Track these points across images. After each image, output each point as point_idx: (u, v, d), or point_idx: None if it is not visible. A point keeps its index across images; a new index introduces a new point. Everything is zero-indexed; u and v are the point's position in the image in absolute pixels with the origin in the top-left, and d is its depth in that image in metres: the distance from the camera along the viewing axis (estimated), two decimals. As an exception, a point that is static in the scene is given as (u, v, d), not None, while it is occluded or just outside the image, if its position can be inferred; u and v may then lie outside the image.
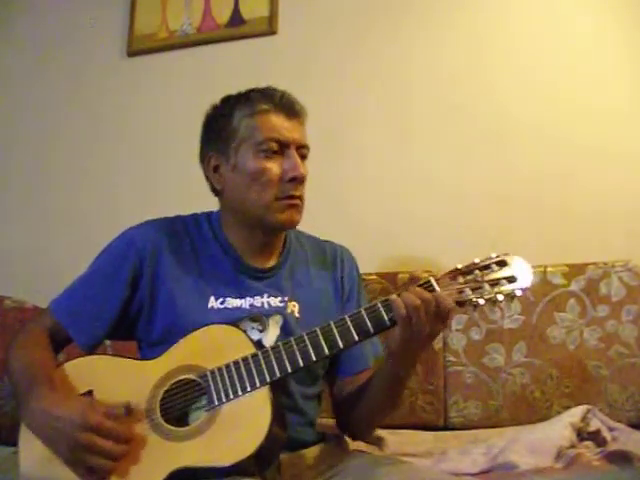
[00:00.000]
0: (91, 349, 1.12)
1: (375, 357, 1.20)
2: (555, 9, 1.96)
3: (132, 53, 2.32)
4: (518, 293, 0.94)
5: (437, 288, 0.96)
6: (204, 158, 1.18)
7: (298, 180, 1.10)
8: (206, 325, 1.05)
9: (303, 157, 1.15)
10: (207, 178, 1.19)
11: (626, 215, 1.80)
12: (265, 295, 1.13)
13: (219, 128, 1.15)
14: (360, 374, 1.17)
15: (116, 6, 2.37)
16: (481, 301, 0.94)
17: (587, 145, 1.86)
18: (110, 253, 1.16)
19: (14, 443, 1.03)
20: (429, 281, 0.96)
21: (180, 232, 1.18)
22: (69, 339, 1.13)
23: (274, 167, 1.10)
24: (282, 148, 1.11)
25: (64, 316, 1.13)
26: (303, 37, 2.16)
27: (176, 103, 2.25)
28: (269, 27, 2.18)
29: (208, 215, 1.22)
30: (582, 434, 1.38)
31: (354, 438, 1.24)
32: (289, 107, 1.12)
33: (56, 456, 0.95)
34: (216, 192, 1.19)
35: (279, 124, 1.10)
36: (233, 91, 1.20)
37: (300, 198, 1.12)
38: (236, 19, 2.22)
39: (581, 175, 1.86)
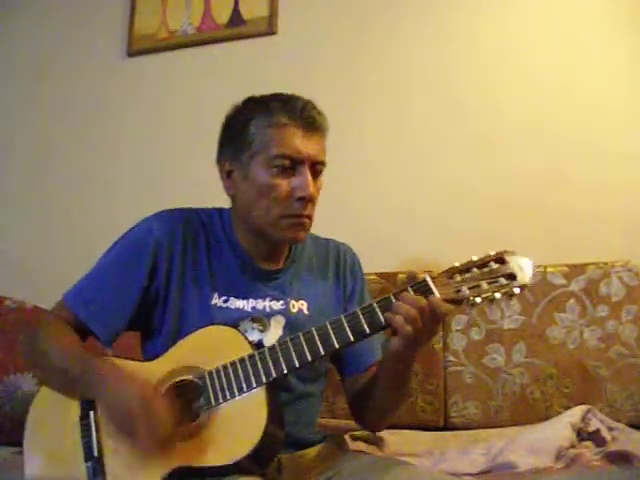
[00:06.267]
0: (111, 343, 1.10)
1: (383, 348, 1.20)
2: (554, 9, 1.96)
3: (132, 53, 2.32)
4: (516, 291, 0.92)
5: (433, 287, 0.95)
6: (220, 160, 1.17)
7: (306, 200, 1.08)
8: (206, 326, 1.05)
9: (317, 173, 1.11)
10: (222, 179, 1.17)
11: (626, 215, 1.80)
12: (267, 299, 1.13)
13: (235, 134, 1.12)
14: (370, 368, 1.18)
15: (116, 6, 2.37)
16: (478, 300, 0.93)
17: (587, 145, 1.86)
18: (128, 242, 1.14)
19: (14, 443, 1.03)
20: (425, 280, 0.95)
21: (196, 225, 1.16)
22: (86, 334, 1.10)
23: (284, 184, 1.07)
24: (295, 164, 1.07)
25: (82, 309, 1.09)
26: (303, 37, 2.16)
27: (176, 103, 2.26)
28: (269, 27, 2.18)
29: (220, 212, 1.21)
30: (582, 434, 1.38)
31: (371, 430, 1.28)
32: (309, 121, 1.08)
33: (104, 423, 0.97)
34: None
35: (295, 140, 1.06)
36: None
37: (308, 217, 1.10)
38: (236, 19, 2.22)
39: (581, 175, 1.85)
